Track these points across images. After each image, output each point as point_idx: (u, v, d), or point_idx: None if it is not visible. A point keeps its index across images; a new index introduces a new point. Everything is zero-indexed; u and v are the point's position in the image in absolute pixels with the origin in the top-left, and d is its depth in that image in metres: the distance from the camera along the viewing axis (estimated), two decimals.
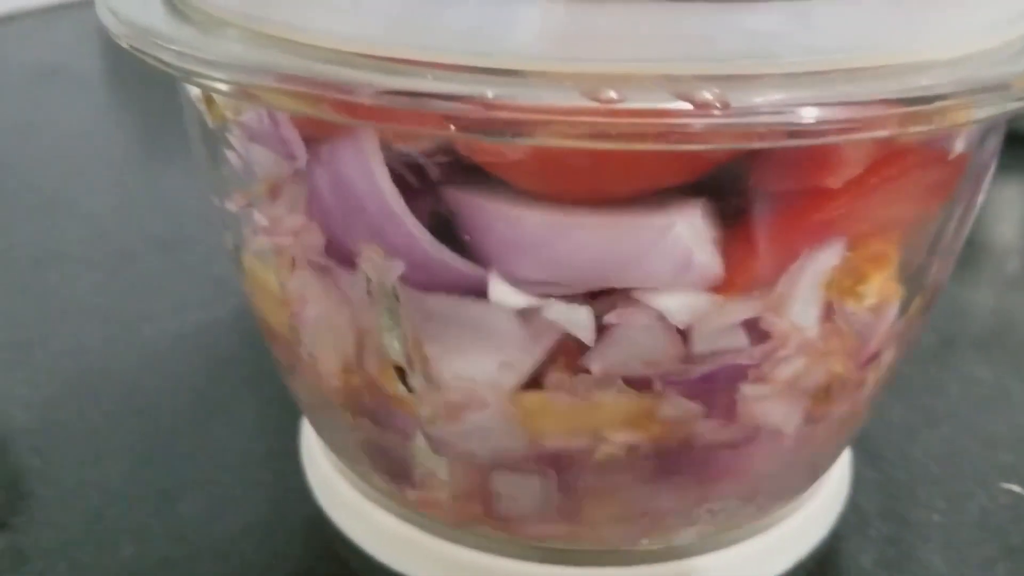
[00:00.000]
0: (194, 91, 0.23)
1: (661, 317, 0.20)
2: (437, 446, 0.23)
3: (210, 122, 0.23)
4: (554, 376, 0.21)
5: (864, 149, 0.19)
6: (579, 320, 0.20)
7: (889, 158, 0.20)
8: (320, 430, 0.28)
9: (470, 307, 0.21)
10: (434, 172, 0.20)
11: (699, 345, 0.20)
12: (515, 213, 0.19)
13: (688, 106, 0.15)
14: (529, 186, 0.19)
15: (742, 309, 0.20)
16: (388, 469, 0.25)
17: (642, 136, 0.16)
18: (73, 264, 0.43)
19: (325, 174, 0.20)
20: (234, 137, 0.22)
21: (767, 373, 0.21)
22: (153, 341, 0.38)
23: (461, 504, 0.25)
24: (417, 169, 0.20)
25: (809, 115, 0.16)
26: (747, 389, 0.21)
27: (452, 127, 0.16)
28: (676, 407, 0.21)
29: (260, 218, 0.23)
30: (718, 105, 0.15)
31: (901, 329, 0.24)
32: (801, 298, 0.20)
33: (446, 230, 0.20)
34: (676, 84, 0.16)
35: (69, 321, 0.39)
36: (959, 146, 0.21)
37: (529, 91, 0.16)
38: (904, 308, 0.23)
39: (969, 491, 0.30)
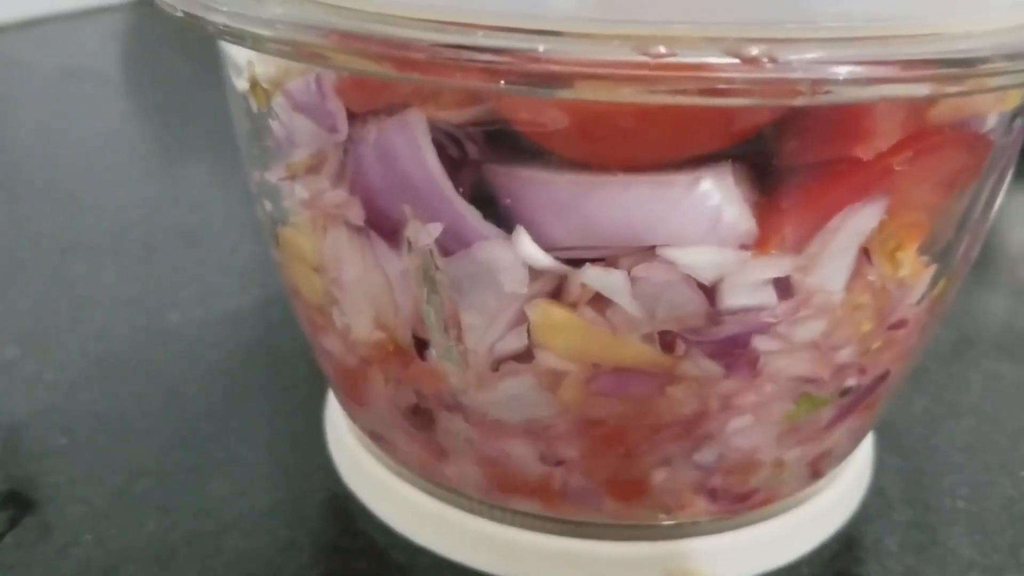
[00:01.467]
0: (239, 68, 0.24)
1: (688, 271, 0.20)
2: (469, 415, 0.23)
3: (254, 105, 0.24)
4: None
5: (895, 121, 0.20)
6: (615, 284, 0.20)
7: (919, 135, 0.20)
8: (347, 403, 0.28)
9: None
10: (474, 145, 0.20)
11: (728, 300, 0.20)
12: (546, 176, 0.20)
13: (736, 61, 0.16)
14: (570, 153, 0.20)
15: (775, 266, 0.20)
16: (417, 441, 0.26)
17: (690, 91, 0.16)
18: (99, 255, 0.44)
19: (371, 146, 0.21)
20: (279, 108, 0.23)
21: (791, 332, 0.21)
22: (179, 328, 0.38)
23: (489, 477, 0.25)
24: (458, 142, 0.20)
25: (849, 71, 0.16)
26: (769, 345, 0.21)
27: (502, 82, 0.17)
28: (698, 366, 0.21)
29: (301, 190, 0.23)
30: (766, 60, 0.16)
31: (925, 308, 0.24)
32: (834, 258, 0.21)
33: (487, 201, 0.20)
34: (722, 43, 0.16)
35: (96, 309, 0.39)
36: (990, 123, 0.22)
37: (579, 47, 0.16)
38: (931, 286, 0.24)
39: (992, 479, 0.30)
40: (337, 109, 0.21)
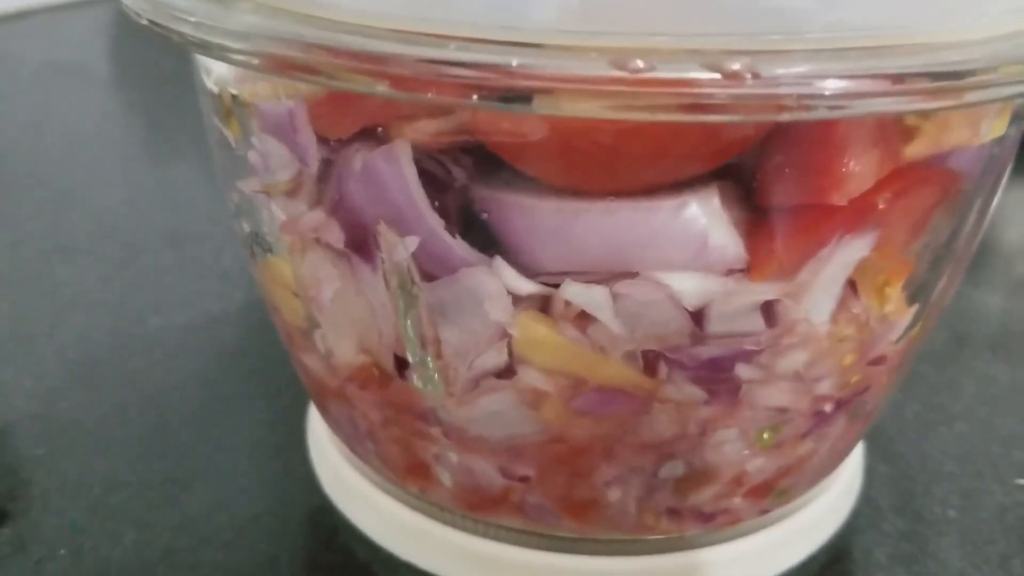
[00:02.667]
0: (211, 101, 0.23)
1: (672, 294, 0.19)
2: (449, 432, 0.23)
3: (230, 136, 0.23)
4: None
5: (870, 161, 0.19)
6: (597, 300, 0.20)
7: (895, 176, 0.20)
8: (329, 418, 0.28)
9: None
10: (460, 170, 0.20)
11: (715, 326, 0.20)
12: (530, 203, 0.19)
13: (717, 76, 0.15)
14: (550, 178, 0.19)
15: (762, 293, 0.20)
16: (399, 456, 0.25)
17: (669, 107, 0.16)
18: (81, 257, 0.43)
19: (354, 175, 0.20)
20: (254, 135, 0.22)
21: (774, 361, 0.21)
22: (160, 333, 0.37)
23: (470, 492, 0.24)
24: (444, 166, 0.20)
25: (837, 86, 0.16)
26: (752, 373, 0.21)
27: (475, 96, 0.16)
28: (679, 391, 0.21)
29: (278, 212, 0.23)
30: (747, 75, 0.15)
31: (902, 347, 0.24)
32: (823, 288, 0.20)
33: (474, 225, 0.20)
34: (703, 57, 0.16)
35: (76, 313, 0.39)
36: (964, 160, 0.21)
37: (554, 61, 0.16)
38: (911, 325, 0.23)
39: (985, 487, 0.30)
40: (309, 142, 0.21)
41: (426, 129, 0.19)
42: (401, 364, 0.23)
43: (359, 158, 0.20)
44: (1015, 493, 0.29)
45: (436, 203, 0.20)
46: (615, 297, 0.20)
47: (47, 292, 0.40)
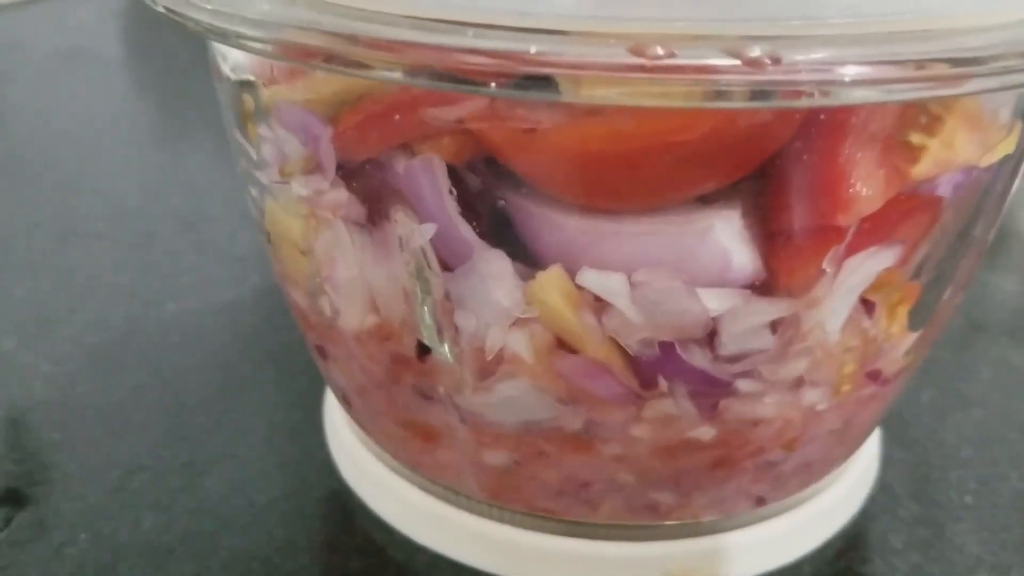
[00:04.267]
0: (227, 87, 0.23)
1: (688, 281, 0.19)
2: (465, 417, 0.23)
3: (251, 153, 0.23)
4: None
5: (877, 182, 0.19)
6: (614, 287, 0.20)
7: (898, 201, 0.19)
8: (342, 398, 0.28)
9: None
10: (492, 179, 0.20)
11: (728, 345, 0.20)
12: (559, 219, 0.19)
13: (736, 62, 0.15)
14: (570, 198, 0.19)
15: (775, 309, 0.20)
16: (412, 438, 0.25)
17: (688, 94, 0.15)
18: (96, 242, 0.43)
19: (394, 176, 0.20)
20: (270, 133, 0.22)
21: (776, 370, 0.21)
22: (177, 318, 0.37)
23: (486, 476, 0.25)
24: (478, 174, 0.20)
25: (856, 72, 0.15)
26: (752, 387, 0.21)
27: (492, 84, 0.16)
28: (674, 405, 0.21)
29: (299, 188, 0.23)
30: (768, 61, 0.15)
31: (893, 373, 0.24)
32: (835, 304, 0.20)
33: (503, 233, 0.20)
34: (723, 42, 0.16)
35: (92, 298, 0.39)
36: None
37: (572, 48, 0.16)
38: (908, 351, 0.23)
39: (1002, 473, 0.29)
40: (328, 161, 0.21)
41: (449, 149, 0.19)
42: (417, 344, 0.23)
43: (400, 164, 0.20)
44: None
45: (469, 207, 0.20)
46: (633, 285, 0.20)
47: (63, 277, 0.40)
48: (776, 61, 0.15)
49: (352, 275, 0.22)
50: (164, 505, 0.28)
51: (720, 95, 0.16)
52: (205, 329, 0.37)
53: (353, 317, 0.23)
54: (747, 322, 0.20)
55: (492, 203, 0.20)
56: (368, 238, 0.22)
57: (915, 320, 0.23)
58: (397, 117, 0.19)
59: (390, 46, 0.16)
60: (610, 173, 0.19)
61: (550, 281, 0.20)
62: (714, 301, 0.20)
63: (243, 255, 0.42)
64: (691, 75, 0.15)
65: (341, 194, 0.22)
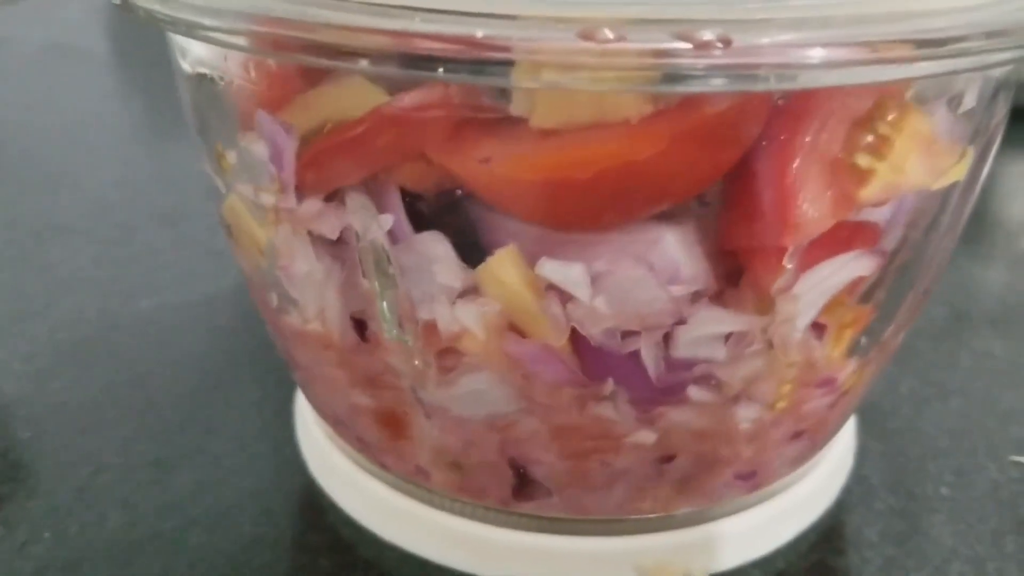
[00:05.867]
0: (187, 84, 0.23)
1: (649, 269, 0.19)
2: (430, 411, 0.23)
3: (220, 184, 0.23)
4: None
5: (824, 204, 0.19)
6: (574, 277, 0.19)
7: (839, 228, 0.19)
8: (305, 390, 0.28)
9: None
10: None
11: (681, 349, 0.20)
12: (514, 227, 0.19)
13: (687, 46, 0.15)
14: (527, 218, 0.19)
15: (732, 321, 0.20)
16: (376, 434, 0.25)
17: (639, 78, 0.15)
18: (75, 237, 0.43)
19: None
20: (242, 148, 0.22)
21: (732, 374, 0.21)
22: (152, 314, 0.37)
23: (451, 472, 0.24)
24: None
25: (813, 55, 0.15)
26: (703, 395, 0.21)
27: (440, 69, 0.16)
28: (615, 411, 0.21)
29: (268, 199, 0.22)
30: (719, 44, 0.15)
31: (827, 403, 0.24)
32: (798, 315, 0.20)
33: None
34: (674, 26, 0.15)
35: (69, 294, 0.38)
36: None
37: (521, 32, 0.15)
38: (846, 380, 0.23)
39: (979, 464, 0.29)
40: (289, 180, 0.21)
41: (410, 177, 0.19)
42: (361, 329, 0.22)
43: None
44: (1009, 469, 0.29)
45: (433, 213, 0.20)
46: (595, 276, 0.19)
47: (40, 272, 0.40)
48: (727, 44, 0.15)
49: (307, 271, 0.22)
50: (130, 503, 0.28)
51: (674, 78, 0.15)
52: (181, 325, 0.37)
53: (300, 317, 0.23)
54: (701, 330, 0.20)
55: (451, 214, 0.20)
56: (327, 247, 0.21)
57: (857, 348, 0.23)
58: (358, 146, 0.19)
59: (338, 32, 0.16)
60: (565, 199, 0.19)
61: (505, 261, 0.20)
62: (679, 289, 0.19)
63: (222, 251, 0.42)
64: (641, 59, 0.15)
65: (315, 205, 0.21)
